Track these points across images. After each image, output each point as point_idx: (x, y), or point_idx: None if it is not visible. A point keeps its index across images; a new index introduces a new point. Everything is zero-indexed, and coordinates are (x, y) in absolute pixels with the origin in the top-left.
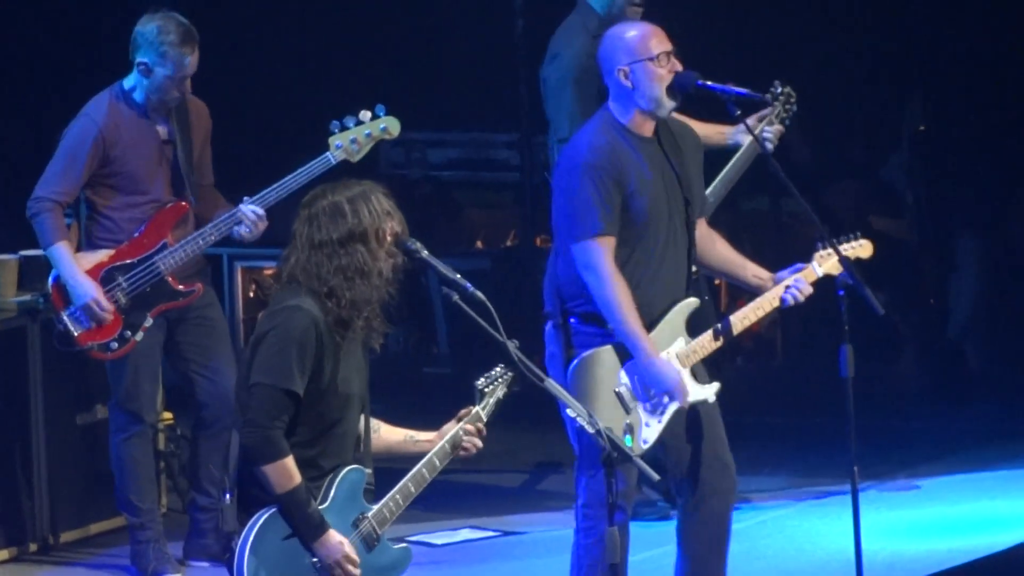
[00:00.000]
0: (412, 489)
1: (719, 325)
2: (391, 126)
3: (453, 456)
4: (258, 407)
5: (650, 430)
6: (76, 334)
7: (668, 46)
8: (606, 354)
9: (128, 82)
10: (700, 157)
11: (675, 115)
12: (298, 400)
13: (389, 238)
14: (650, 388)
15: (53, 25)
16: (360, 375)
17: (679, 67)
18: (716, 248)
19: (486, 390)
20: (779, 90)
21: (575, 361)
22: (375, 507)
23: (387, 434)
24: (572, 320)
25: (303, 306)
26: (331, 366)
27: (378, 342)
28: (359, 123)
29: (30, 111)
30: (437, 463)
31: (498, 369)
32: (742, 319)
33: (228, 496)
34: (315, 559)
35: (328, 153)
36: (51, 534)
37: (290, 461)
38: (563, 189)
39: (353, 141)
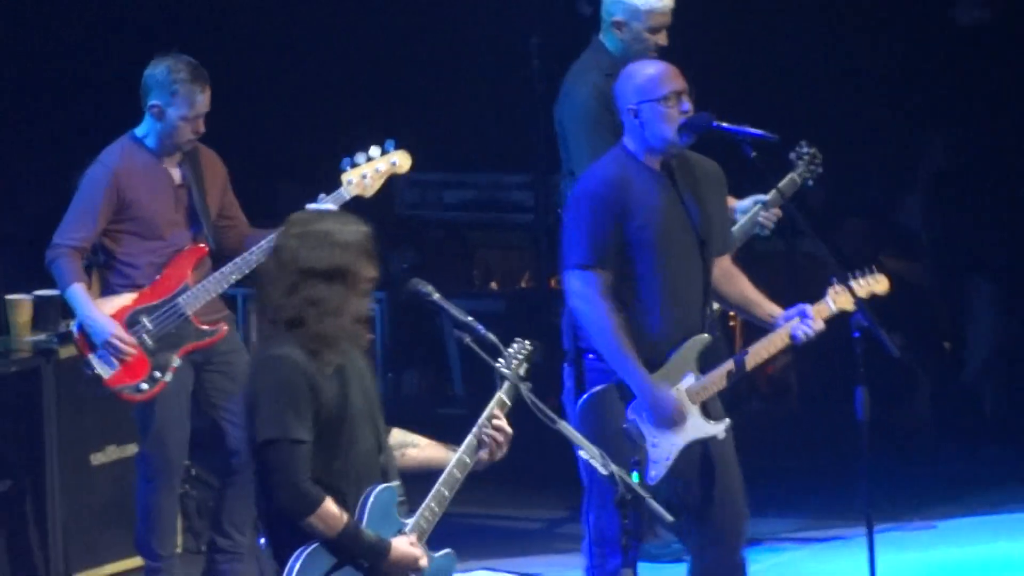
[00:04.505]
0: (446, 493)
1: (734, 360)
2: (401, 160)
3: (482, 450)
4: (277, 466)
5: (658, 466)
6: (105, 377)
7: (679, 86)
8: (616, 390)
9: (140, 130)
10: (723, 193)
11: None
12: (308, 444)
13: (366, 282)
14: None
15: (72, 73)
16: (364, 391)
17: (689, 106)
18: (736, 285)
19: (506, 371)
20: (805, 150)
21: (584, 397)
22: (411, 520)
23: (431, 450)
24: (586, 356)
25: (284, 355)
26: (328, 396)
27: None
28: (369, 159)
29: (46, 150)
30: (467, 461)
31: (514, 346)
32: (754, 355)
33: (262, 540)
34: None
35: (341, 189)
36: (65, 574)
37: (330, 504)
38: (567, 218)
39: (364, 176)
